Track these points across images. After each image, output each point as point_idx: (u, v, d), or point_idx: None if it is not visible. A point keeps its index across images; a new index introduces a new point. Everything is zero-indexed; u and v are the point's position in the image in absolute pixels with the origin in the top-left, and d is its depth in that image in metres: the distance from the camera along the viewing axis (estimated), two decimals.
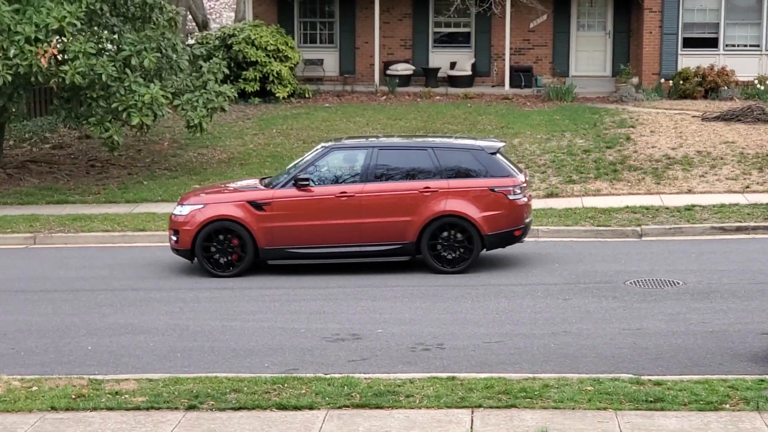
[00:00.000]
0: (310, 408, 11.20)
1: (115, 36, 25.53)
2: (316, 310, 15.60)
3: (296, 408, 11.19)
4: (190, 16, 44.15)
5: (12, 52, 22.81)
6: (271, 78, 33.89)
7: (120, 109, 24.26)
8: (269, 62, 33.79)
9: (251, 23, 35.19)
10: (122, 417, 11.09)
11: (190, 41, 37.13)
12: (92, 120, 24.67)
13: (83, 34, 24.06)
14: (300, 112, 32.23)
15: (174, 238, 18.12)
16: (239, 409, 11.22)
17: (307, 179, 17.92)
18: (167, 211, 20.59)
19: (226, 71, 28.22)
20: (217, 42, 34.28)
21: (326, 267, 18.08)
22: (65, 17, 23.17)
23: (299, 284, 17.27)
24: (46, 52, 22.90)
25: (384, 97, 34.23)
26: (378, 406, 11.19)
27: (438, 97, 34.16)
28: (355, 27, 36.48)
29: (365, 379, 12.03)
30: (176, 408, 11.27)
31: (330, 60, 36.59)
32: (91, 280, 17.80)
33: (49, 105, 29.09)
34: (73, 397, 11.61)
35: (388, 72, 35.54)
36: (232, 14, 48.97)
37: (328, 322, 14.90)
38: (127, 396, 11.61)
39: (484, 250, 17.97)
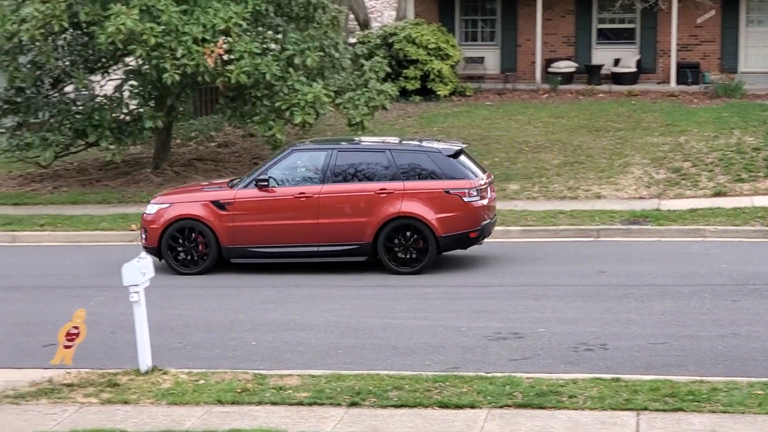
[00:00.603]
0: (472, 407, 11.13)
1: (279, 36, 25.87)
2: (477, 308, 15.52)
3: (458, 406, 11.13)
4: (351, 16, 44.53)
5: (180, 52, 23.32)
6: (431, 76, 33.91)
7: (283, 107, 24.60)
8: (430, 60, 33.83)
9: (412, 22, 35.30)
10: (286, 412, 11.21)
11: (352, 40, 37.42)
12: (256, 119, 25.09)
13: (248, 34, 24.45)
14: (461, 110, 32.16)
15: (143, 236, 18.63)
16: (400, 406, 11.22)
17: (266, 180, 18.19)
18: None
19: (388, 69, 28.34)
20: (378, 41, 34.49)
21: (484, 264, 17.98)
22: (231, 18, 23.60)
23: (460, 282, 17.22)
24: (212, 52, 23.35)
25: (545, 95, 33.91)
26: (540, 407, 11.06)
27: (601, 95, 33.66)
28: (516, 25, 36.25)
29: (527, 378, 11.91)
30: (338, 404, 11.35)
31: (491, 58, 36.44)
32: (255, 277, 18.08)
33: (214, 104, 29.67)
34: (238, 391, 11.79)
35: (550, 69, 35.18)
36: (393, 13, 49.17)
37: (490, 320, 14.80)
38: (290, 391, 11.73)
39: (439, 252, 17.87)
